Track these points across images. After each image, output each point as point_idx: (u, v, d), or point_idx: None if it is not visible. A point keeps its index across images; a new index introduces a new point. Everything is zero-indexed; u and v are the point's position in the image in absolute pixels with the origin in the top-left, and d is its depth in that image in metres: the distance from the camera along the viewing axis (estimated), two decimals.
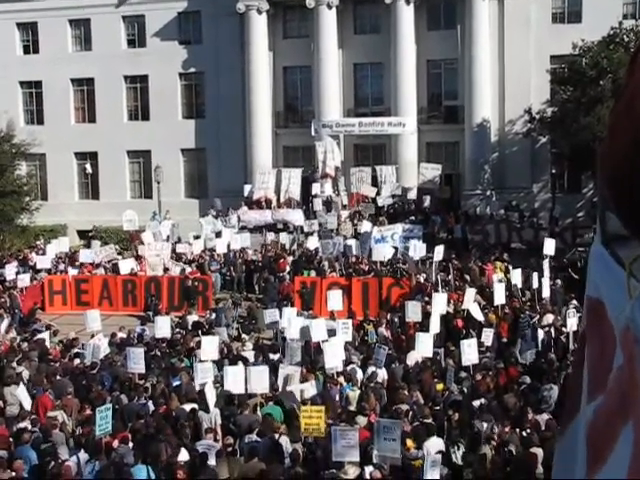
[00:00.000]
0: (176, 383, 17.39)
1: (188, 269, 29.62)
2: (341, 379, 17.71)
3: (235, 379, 16.25)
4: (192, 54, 42.95)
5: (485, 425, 14.04)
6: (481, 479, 12.20)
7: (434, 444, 13.33)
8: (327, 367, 17.96)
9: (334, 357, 18.08)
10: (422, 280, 26.37)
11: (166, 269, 29.55)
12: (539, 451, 12.95)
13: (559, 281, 25.81)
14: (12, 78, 44.46)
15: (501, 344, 21.51)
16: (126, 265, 29.52)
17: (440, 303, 22.44)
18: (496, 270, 27.49)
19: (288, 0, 41.13)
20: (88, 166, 44.93)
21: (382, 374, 17.92)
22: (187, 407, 15.68)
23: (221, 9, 41.22)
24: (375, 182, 38.15)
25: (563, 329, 20.97)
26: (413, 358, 18.92)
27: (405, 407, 15.28)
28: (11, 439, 14.03)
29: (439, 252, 27.07)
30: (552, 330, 21.10)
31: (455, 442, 13.70)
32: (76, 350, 20.75)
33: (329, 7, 39.60)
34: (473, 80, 38.69)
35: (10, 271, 29.03)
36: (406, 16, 38.88)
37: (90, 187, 45.47)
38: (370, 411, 15.39)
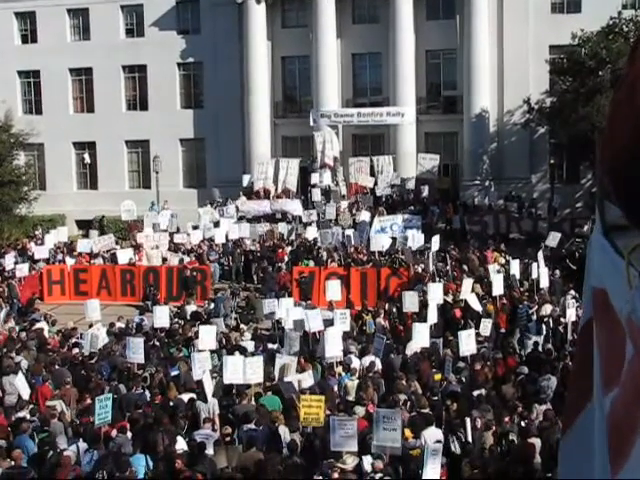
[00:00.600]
0: (174, 373, 17.43)
1: (187, 259, 29.61)
2: (339, 369, 17.75)
3: (235, 369, 16.27)
4: (190, 44, 42.82)
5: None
6: (479, 469, 12.23)
7: (432, 434, 13.36)
8: (327, 356, 17.98)
9: (334, 347, 18.10)
10: (420, 270, 26.39)
11: (164, 259, 29.56)
12: (537, 441, 12.99)
13: (558, 271, 25.83)
14: (10, 68, 44.33)
15: (499, 334, 21.54)
16: (124, 255, 29.52)
17: (436, 293, 22.47)
18: (495, 259, 27.53)
19: None
20: (86, 156, 44.85)
21: (378, 364, 17.94)
22: (185, 397, 15.71)
23: None
24: (373, 172, 38.13)
25: (561, 319, 21.01)
26: (412, 348, 18.94)
27: (403, 397, 15.31)
28: (9, 428, 14.08)
29: (435, 242, 27.11)
30: (550, 320, 21.13)
31: (454, 432, 13.74)
32: (74, 340, 20.77)
33: None
34: (472, 70, 38.61)
35: (9, 261, 29.04)
36: (405, 6, 38.76)
37: (88, 177, 45.43)
38: (368, 401, 15.43)
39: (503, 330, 22.02)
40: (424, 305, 22.01)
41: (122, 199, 36.34)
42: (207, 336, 18.94)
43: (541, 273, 24.60)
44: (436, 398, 15.60)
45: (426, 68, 40.56)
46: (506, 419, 14.28)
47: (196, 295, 27.21)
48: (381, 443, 12.70)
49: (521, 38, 38.37)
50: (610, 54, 31.98)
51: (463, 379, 16.99)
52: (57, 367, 18.05)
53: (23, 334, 21.40)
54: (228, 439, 13.77)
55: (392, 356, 18.63)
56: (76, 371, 17.87)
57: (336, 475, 12.28)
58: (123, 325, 22.74)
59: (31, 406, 15.35)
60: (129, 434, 13.73)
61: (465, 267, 26.75)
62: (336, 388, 16.76)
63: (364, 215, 32.35)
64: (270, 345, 20.01)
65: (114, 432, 13.79)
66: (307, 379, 16.50)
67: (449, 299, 23.12)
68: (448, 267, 26.75)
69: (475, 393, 15.66)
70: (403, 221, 31.44)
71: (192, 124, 43.27)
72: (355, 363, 17.99)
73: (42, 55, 43.69)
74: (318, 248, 29.53)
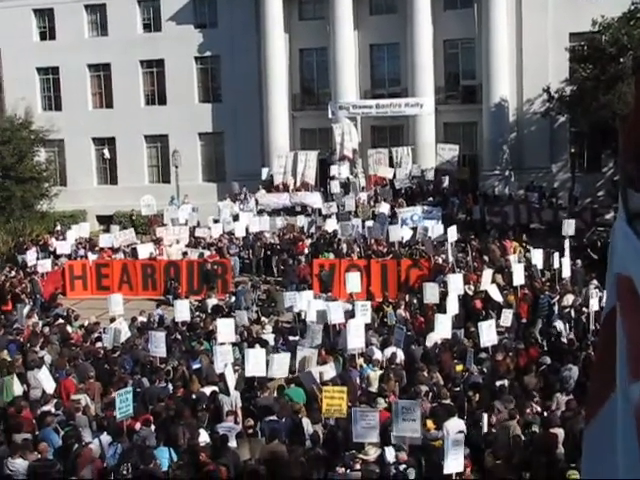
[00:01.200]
0: (196, 366, 17.52)
1: (207, 253, 29.71)
2: (361, 360, 17.75)
3: (256, 362, 16.32)
4: (208, 37, 42.85)
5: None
6: (502, 459, 12.20)
7: (454, 425, 13.35)
8: (349, 348, 17.98)
9: (356, 338, 18.09)
10: (440, 261, 26.32)
11: (185, 253, 29.69)
12: (560, 431, 12.94)
13: (579, 261, 25.62)
14: (29, 65, 44.58)
15: (520, 325, 21.46)
16: (145, 249, 29.68)
17: (456, 284, 22.40)
18: (515, 250, 27.38)
19: None
20: (106, 151, 45.09)
21: (400, 355, 17.93)
22: (207, 390, 15.79)
23: None
24: (392, 163, 38.02)
25: (583, 309, 20.87)
26: (432, 340, 18.92)
27: (425, 388, 15.31)
28: (34, 421, 14.23)
29: (452, 233, 26.98)
30: (572, 311, 21.01)
31: (476, 422, 13.72)
32: (97, 334, 20.94)
33: None
34: (491, 59, 38.31)
35: (31, 257, 29.30)
36: None
37: (108, 172, 45.67)
38: (390, 392, 15.43)
39: (524, 320, 21.93)
40: (444, 296, 21.96)
41: (142, 194, 36.47)
42: (225, 329, 19.01)
43: (563, 263, 24.42)
44: (458, 389, 15.58)
45: (444, 58, 40.31)
46: (528, 410, 14.23)
47: (217, 289, 27.31)
48: (400, 433, 12.72)
49: (540, 26, 37.99)
50: (632, 40, 31.57)
51: (485, 370, 16.96)
52: (80, 361, 18.21)
53: (46, 329, 21.60)
54: (251, 431, 13.83)
55: (413, 347, 18.62)
56: (99, 365, 18.01)
57: (358, 466, 12.31)
58: (145, 319, 22.90)
59: (55, 400, 15.49)
60: (152, 427, 13.83)
61: (486, 258, 26.63)
62: (358, 380, 16.78)
63: (384, 207, 32.27)
64: (291, 338, 20.05)
65: (138, 425, 13.90)
66: (329, 371, 16.54)
67: (470, 290, 23.05)
68: (469, 258, 26.66)
69: (497, 384, 15.62)
70: (423, 212, 31.36)
71: (210, 118, 43.34)
72: (377, 355, 18.00)
73: (61, 52, 43.90)
74: (338, 240, 29.53)
